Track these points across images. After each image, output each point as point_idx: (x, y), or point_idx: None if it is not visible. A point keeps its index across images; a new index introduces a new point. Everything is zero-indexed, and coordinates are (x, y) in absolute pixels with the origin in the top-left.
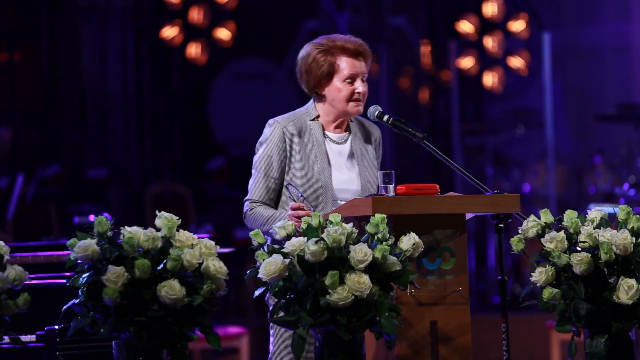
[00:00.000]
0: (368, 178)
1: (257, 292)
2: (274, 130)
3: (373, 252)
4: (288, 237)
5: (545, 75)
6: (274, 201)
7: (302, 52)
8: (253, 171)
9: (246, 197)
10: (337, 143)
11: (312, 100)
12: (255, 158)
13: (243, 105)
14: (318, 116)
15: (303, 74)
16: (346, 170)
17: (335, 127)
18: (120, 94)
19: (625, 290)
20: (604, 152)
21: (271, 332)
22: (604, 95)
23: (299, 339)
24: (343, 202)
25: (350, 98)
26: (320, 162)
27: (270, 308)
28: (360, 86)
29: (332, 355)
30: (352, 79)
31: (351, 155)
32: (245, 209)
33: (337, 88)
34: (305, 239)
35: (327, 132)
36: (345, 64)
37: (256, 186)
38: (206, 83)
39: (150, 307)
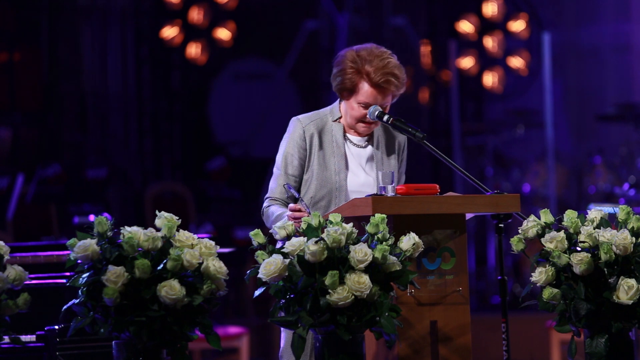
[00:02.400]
0: None
1: (257, 292)
2: (295, 128)
3: (373, 252)
4: (288, 237)
5: (545, 75)
6: (293, 199)
7: (340, 55)
8: (274, 169)
9: (266, 195)
10: (358, 146)
11: (338, 101)
12: (277, 156)
13: (243, 105)
14: (341, 117)
15: (332, 75)
16: (363, 173)
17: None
18: (120, 94)
19: (625, 290)
20: (604, 152)
21: (282, 328)
22: (604, 95)
23: (299, 339)
24: None
25: (360, 120)
26: (337, 163)
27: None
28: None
29: (332, 355)
30: (367, 105)
31: (371, 158)
32: (263, 206)
33: (351, 106)
34: (305, 239)
35: (348, 134)
36: (364, 90)
37: (275, 183)
38: (206, 83)
39: (150, 307)
